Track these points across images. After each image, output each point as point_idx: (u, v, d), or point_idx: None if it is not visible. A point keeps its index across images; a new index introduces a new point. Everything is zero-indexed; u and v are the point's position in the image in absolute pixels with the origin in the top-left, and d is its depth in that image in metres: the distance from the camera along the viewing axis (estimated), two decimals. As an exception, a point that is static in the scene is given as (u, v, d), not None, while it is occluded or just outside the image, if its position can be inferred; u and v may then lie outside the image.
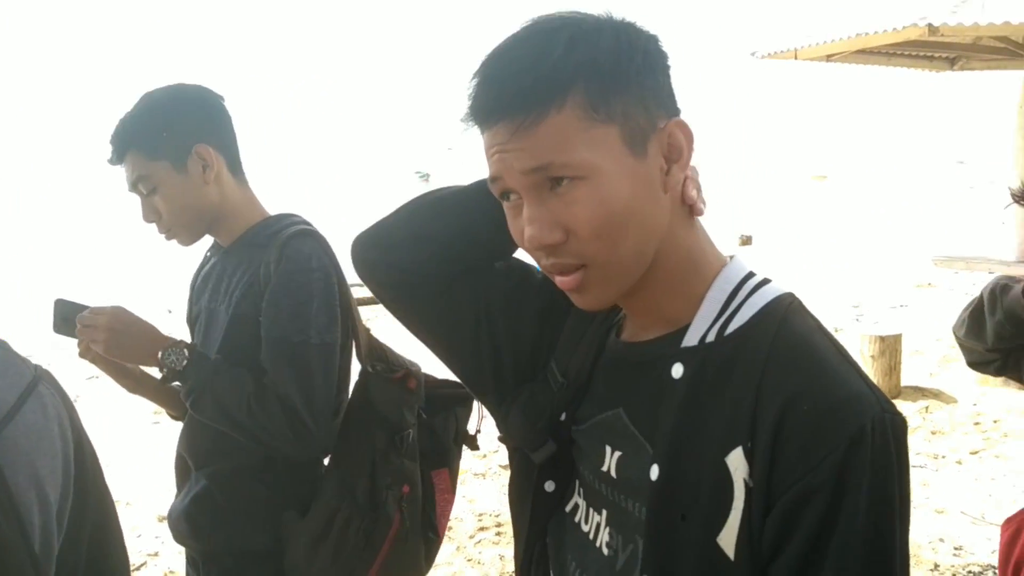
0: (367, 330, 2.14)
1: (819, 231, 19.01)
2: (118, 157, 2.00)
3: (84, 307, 2.02)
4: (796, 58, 9.13)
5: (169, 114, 2.00)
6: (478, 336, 1.23)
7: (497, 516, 5.03)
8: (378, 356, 2.11)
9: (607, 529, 1.07)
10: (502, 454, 5.91)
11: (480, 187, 1.14)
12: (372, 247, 1.27)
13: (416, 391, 2.06)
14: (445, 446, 2.16)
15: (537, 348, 1.22)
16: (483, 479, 5.64)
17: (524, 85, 0.93)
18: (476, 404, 2.16)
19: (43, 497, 1.19)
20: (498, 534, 4.81)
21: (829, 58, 9.22)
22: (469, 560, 4.51)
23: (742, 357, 0.96)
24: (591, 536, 1.10)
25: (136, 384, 2.14)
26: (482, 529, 4.89)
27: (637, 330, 1.09)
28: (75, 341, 2.02)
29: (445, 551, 3.86)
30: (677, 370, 0.99)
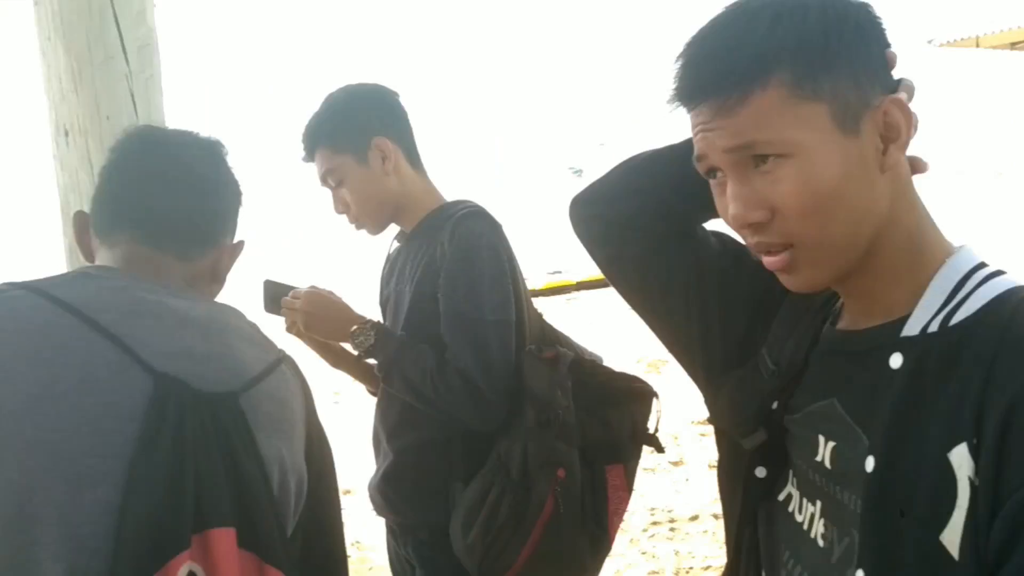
0: (539, 314, 2.20)
1: (999, 230, 17.96)
2: (309, 155, 2.18)
3: (291, 287, 2.20)
4: (978, 46, 8.69)
5: (348, 111, 2.14)
6: (688, 301, 1.24)
7: (670, 512, 4.99)
8: (550, 341, 2.15)
9: (822, 520, 1.03)
10: (671, 451, 5.88)
11: (690, 143, 1.12)
12: (587, 204, 1.32)
13: (562, 370, 2.07)
14: (619, 441, 2.15)
15: (748, 330, 1.21)
16: (653, 474, 5.60)
17: (725, 66, 0.93)
18: (655, 402, 2.16)
19: (280, 459, 1.29)
20: (672, 529, 4.76)
21: (1014, 46, 8.73)
22: (643, 553, 4.49)
23: (968, 349, 0.89)
24: (805, 527, 1.06)
25: (337, 359, 2.27)
26: (655, 523, 4.86)
27: (854, 318, 1.05)
28: (283, 320, 2.19)
29: (618, 543, 3.88)
30: (896, 360, 0.94)
